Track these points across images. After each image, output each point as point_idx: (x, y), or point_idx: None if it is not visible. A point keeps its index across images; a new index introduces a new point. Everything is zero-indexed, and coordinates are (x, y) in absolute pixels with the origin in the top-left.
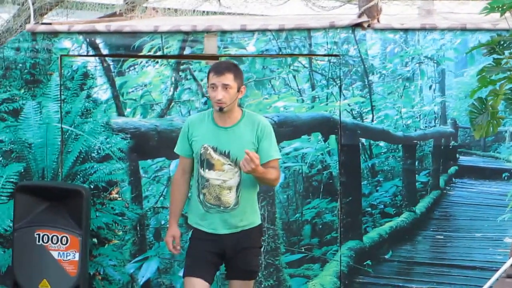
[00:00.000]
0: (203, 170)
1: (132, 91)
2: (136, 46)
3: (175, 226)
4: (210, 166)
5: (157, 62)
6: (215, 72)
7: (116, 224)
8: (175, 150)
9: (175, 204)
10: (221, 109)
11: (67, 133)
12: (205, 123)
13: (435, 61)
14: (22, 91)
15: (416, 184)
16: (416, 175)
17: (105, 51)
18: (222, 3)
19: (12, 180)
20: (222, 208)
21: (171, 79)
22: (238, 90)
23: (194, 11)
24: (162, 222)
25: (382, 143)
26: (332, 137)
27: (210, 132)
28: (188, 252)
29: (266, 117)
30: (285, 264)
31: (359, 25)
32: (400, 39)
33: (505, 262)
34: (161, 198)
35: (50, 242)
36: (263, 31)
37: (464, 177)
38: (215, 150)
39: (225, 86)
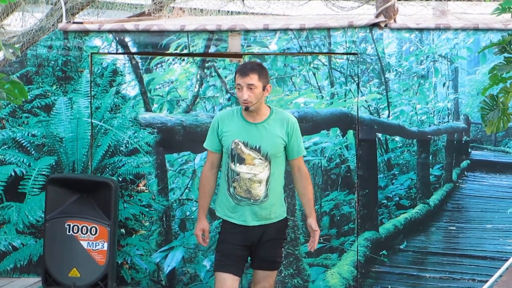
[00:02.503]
0: (233, 164)
1: (159, 88)
2: (163, 44)
3: (204, 219)
4: (241, 161)
5: (183, 60)
6: (240, 73)
7: (143, 215)
8: (205, 145)
9: (204, 198)
10: (247, 108)
11: (97, 128)
12: (235, 119)
13: (448, 60)
14: (54, 87)
15: (430, 177)
16: (430, 169)
17: (133, 49)
18: (246, 4)
19: (44, 173)
20: (252, 200)
21: (196, 76)
22: (264, 89)
23: (219, 11)
24: (187, 213)
25: (397, 138)
26: (350, 132)
27: (240, 127)
28: (218, 247)
29: None
30: (305, 254)
31: (376, 25)
32: (416, 38)
33: None
34: (186, 190)
35: (80, 232)
36: (285, 30)
37: (475, 170)
38: (245, 145)
39: (250, 86)
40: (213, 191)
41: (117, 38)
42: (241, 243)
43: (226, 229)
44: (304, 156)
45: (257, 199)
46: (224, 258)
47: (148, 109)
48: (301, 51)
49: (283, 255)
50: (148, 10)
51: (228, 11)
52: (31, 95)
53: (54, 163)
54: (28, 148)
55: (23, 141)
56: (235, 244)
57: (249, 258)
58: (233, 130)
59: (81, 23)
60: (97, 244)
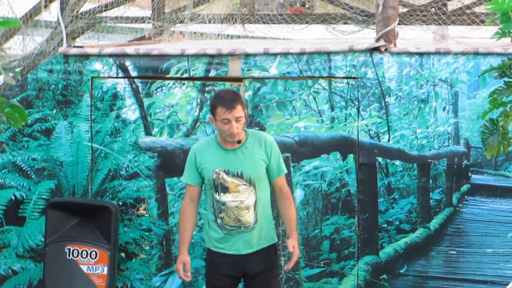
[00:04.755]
0: (218, 194)
1: (160, 112)
2: (163, 68)
3: (185, 254)
4: (225, 189)
5: (184, 84)
6: (227, 107)
7: (143, 239)
8: (183, 179)
9: (184, 233)
10: (239, 141)
11: (97, 152)
12: (212, 149)
13: (448, 84)
14: (54, 111)
15: (430, 201)
16: (430, 193)
17: (134, 73)
18: (246, 28)
19: (44, 196)
20: (243, 228)
21: (196, 100)
22: (245, 117)
23: (219, 35)
24: None
25: (398, 162)
26: (350, 156)
27: (218, 156)
28: (207, 278)
29: (287, 137)
30: (305, 278)
31: (376, 49)
32: (416, 62)
33: None
34: None
35: (80, 256)
36: (285, 54)
37: (476, 195)
38: (227, 173)
39: (238, 119)
40: (194, 226)
41: (117, 62)
42: (229, 273)
43: (215, 259)
44: (304, 180)
45: (247, 226)
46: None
47: (148, 133)
48: (302, 75)
49: (281, 279)
50: (149, 34)
51: (228, 35)
52: (31, 119)
53: (54, 187)
54: (28, 172)
55: (23, 165)
56: (223, 275)
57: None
58: (212, 160)
59: (82, 47)
60: (97, 268)
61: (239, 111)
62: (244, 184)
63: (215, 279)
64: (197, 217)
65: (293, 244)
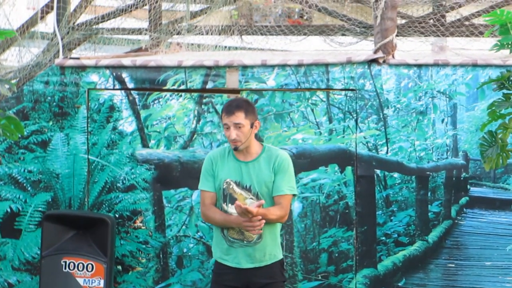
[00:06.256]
0: (226, 205)
1: (157, 124)
2: (160, 80)
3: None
4: (233, 201)
5: (181, 96)
6: (226, 112)
7: (140, 252)
8: (201, 187)
9: (220, 213)
10: (236, 148)
11: (94, 164)
12: (227, 158)
13: (447, 96)
14: (51, 123)
15: (429, 214)
16: (429, 205)
17: (130, 85)
18: (244, 39)
19: (40, 209)
20: (245, 242)
21: (194, 112)
22: (252, 126)
23: (216, 46)
24: (184, 250)
25: (396, 175)
26: (348, 169)
27: (231, 167)
28: (212, 287)
29: (284, 149)
30: None
31: (374, 61)
32: (414, 74)
33: None
34: (184, 227)
35: (76, 269)
36: (283, 66)
37: (474, 207)
38: (237, 184)
39: (237, 125)
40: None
41: (114, 74)
42: (233, 284)
43: (220, 270)
44: (302, 193)
45: (250, 241)
46: None
47: (145, 145)
48: (299, 87)
49: None
50: (146, 45)
51: (225, 47)
52: (27, 131)
53: (50, 200)
54: (24, 184)
55: (19, 177)
56: (228, 286)
57: None
58: (225, 169)
59: (78, 58)
60: (93, 281)
61: (239, 118)
62: (252, 198)
63: None
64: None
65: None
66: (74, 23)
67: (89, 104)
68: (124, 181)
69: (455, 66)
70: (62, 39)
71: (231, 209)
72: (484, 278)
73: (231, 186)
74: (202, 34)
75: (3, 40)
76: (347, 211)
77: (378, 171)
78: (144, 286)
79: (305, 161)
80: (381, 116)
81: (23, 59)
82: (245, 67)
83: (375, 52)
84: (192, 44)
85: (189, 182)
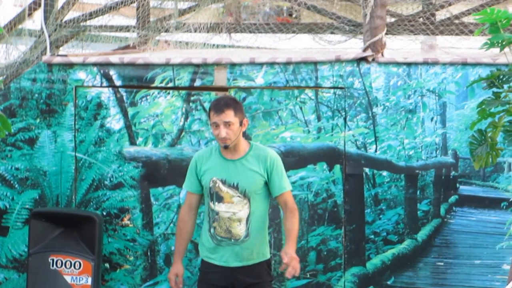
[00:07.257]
0: (213, 203)
1: (144, 121)
2: (148, 77)
3: (179, 264)
4: (220, 199)
5: (169, 93)
6: (215, 111)
7: (128, 250)
8: (184, 186)
9: (180, 241)
10: (226, 147)
11: (81, 162)
12: (213, 157)
13: (436, 94)
14: (38, 120)
15: (418, 212)
16: (418, 204)
17: (118, 82)
18: (232, 37)
19: (27, 206)
20: (233, 240)
21: (181, 110)
22: (241, 124)
23: (204, 44)
24: (172, 248)
25: (385, 173)
26: (337, 167)
27: (218, 165)
28: (198, 286)
29: (273, 147)
30: None
31: (364, 59)
32: (403, 72)
33: None
34: (171, 224)
35: (63, 266)
36: (271, 64)
37: (464, 206)
38: (223, 182)
39: (227, 124)
40: (191, 234)
41: (101, 71)
42: (220, 284)
43: (206, 269)
44: (291, 191)
45: (237, 239)
46: None
47: (133, 142)
48: (288, 85)
49: None
50: (133, 43)
51: (214, 44)
52: (14, 128)
53: (37, 197)
54: (12, 182)
55: (6, 175)
56: (213, 285)
57: None
58: (211, 168)
59: (66, 55)
60: (81, 278)
61: (228, 116)
62: (239, 196)
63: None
64: (195, 226)
65: (285, 251)
66: (61, 20)
67: (77, 101)
68: (111, 179)
69: (444, 65)
70: (49, 36)
71: (218, 207)
72: (473, 277)
73: (217, 185)
74: (190, 32)
75: None
76: (335, 209)
77: (367, 169)
78: (132, 284)
79: (293, 159)
80: (370, 114)
81: (10, 56)
82: (233, 65)
83: (364, 50)
84: (180, 42)
85: (177, 180)
